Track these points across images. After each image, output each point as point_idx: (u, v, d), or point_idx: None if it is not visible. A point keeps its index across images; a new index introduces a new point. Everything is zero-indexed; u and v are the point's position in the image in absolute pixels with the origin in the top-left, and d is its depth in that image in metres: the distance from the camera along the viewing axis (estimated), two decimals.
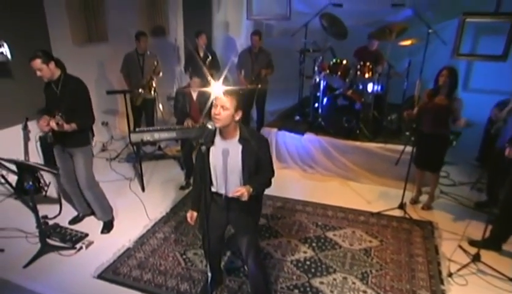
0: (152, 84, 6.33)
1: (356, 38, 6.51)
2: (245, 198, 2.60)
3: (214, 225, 2.92)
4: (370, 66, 5.78)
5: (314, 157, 5.87)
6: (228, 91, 2.65)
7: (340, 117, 5.71)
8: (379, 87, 5.94)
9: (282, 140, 6.04)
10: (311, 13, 6.52)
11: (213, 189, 2.88)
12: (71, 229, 4.33)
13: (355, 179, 5.60)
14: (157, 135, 5.14)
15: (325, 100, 5.86)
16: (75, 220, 4.52)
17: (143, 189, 5.30)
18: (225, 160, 2.75)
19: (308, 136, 5.88)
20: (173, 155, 6.47)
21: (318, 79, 6.20)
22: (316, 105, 6.29)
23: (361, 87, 5.97)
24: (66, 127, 3.74)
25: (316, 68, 6.20)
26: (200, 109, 5.26)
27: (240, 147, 2.75)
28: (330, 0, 6.38)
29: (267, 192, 2.60)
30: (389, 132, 5.96)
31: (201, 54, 6.68)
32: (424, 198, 4.98)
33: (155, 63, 6.42)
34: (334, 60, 5.96)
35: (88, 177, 4.11)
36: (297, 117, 6.47)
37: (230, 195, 2.74)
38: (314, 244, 4.13)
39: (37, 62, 3.64)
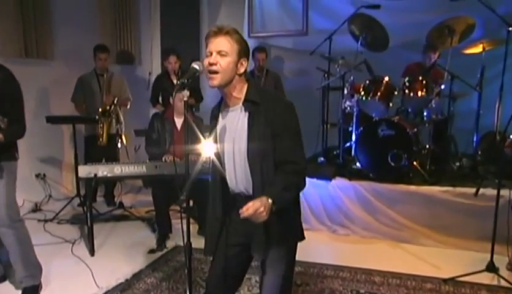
0: (115, 111, 5.99)
1: (399, 62, 6.23)
2: (262, 218, 2.10)
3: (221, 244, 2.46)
4: (424, 81, 5.34)
5: (348, 212, 5.28)
6: (226, 29, 2.24)
7: (383, 154, 5.20)
8: (439, 112, 5.53)
9: None
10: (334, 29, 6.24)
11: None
12: None
13: (411, 240, 4.95)
14: (117, 169, 4.66)
15: (360, 130, 5.38)
16: None
17: (92, 253, 4.65)
18: (230, 139, 2.35)
19: (338, 182, 5.36)
20: (140, 216, 5.85)
21: (349, 107, 5.75)
22: (348, 144, 5.85)
23: (411, 111, 5.52)
24: None
25: (345, 91, 5.79)
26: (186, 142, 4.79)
27: (246, 115, 2.27)
28: (362, 1, 6.11)
29: None
30: (457, 175, 5.42)
31: (174, 81, 6.31)
32: None
33: (122, 87, 6.27)
34: (371, 78, 5.55)
35: (9, 205, 3.54)
36: (322, 159, 5.92)
37: (242, 215, 2.12)
38: None
39: None
